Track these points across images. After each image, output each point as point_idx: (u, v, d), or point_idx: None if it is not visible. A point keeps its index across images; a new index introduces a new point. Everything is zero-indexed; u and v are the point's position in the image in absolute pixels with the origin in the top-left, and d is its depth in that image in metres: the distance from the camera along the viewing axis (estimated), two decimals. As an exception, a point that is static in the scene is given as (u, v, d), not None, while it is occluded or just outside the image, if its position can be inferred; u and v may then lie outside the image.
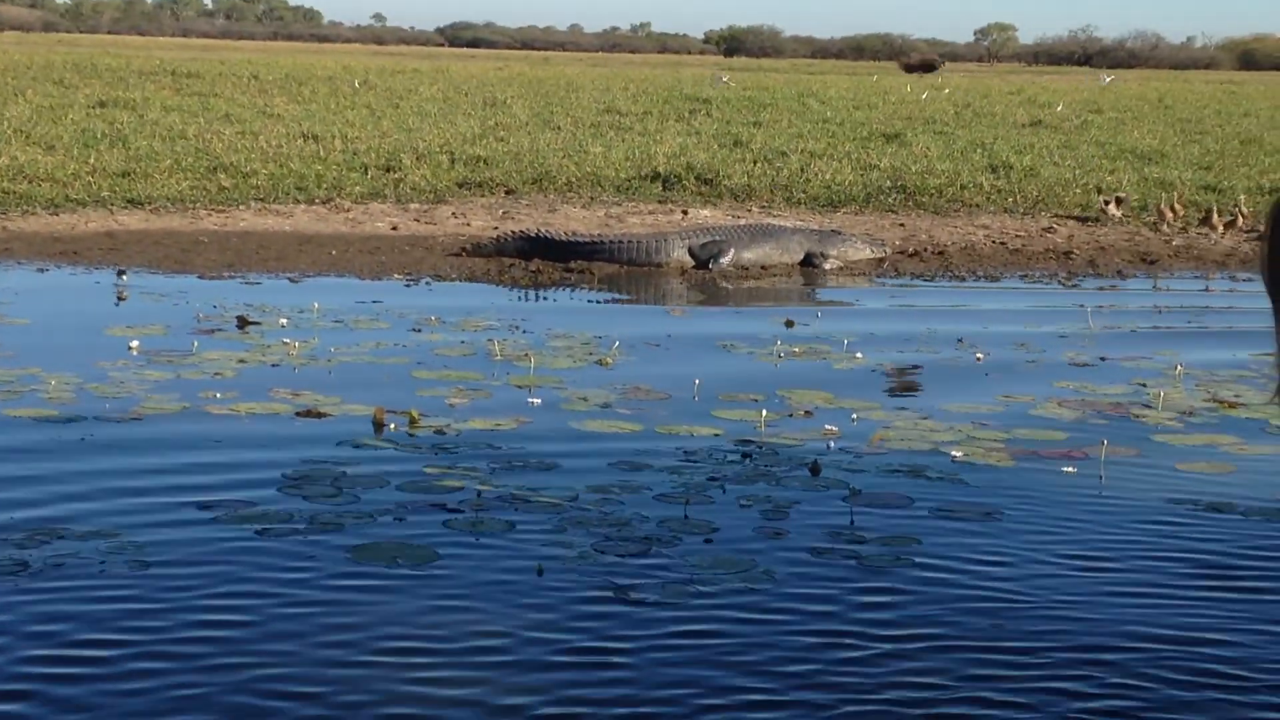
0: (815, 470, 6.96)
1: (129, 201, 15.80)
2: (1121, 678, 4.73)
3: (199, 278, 12.27)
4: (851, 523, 6.23)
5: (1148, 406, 8.44)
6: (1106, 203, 17.02)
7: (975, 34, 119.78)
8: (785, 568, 5.66)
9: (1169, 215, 16.57)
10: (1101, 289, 13.33)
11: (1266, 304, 2.58)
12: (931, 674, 4.75)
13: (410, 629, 5.02)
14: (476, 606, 5.23)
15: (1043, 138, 25.30)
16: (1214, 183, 19.52)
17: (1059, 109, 32.29)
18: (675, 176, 18.63)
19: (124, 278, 12.07)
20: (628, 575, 5.54)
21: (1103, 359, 9.86)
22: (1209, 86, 50.97)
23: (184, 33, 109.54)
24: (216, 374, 8.68)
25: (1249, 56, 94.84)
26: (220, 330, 10.02)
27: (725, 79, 41.28)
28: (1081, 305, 12.02)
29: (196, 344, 9.41)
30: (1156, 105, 35.89)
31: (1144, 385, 8.99)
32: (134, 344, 9.33)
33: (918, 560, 5.78)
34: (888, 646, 4.94)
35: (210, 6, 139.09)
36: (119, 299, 11.36)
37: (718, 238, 13.73)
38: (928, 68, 16.71)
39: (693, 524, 6.15)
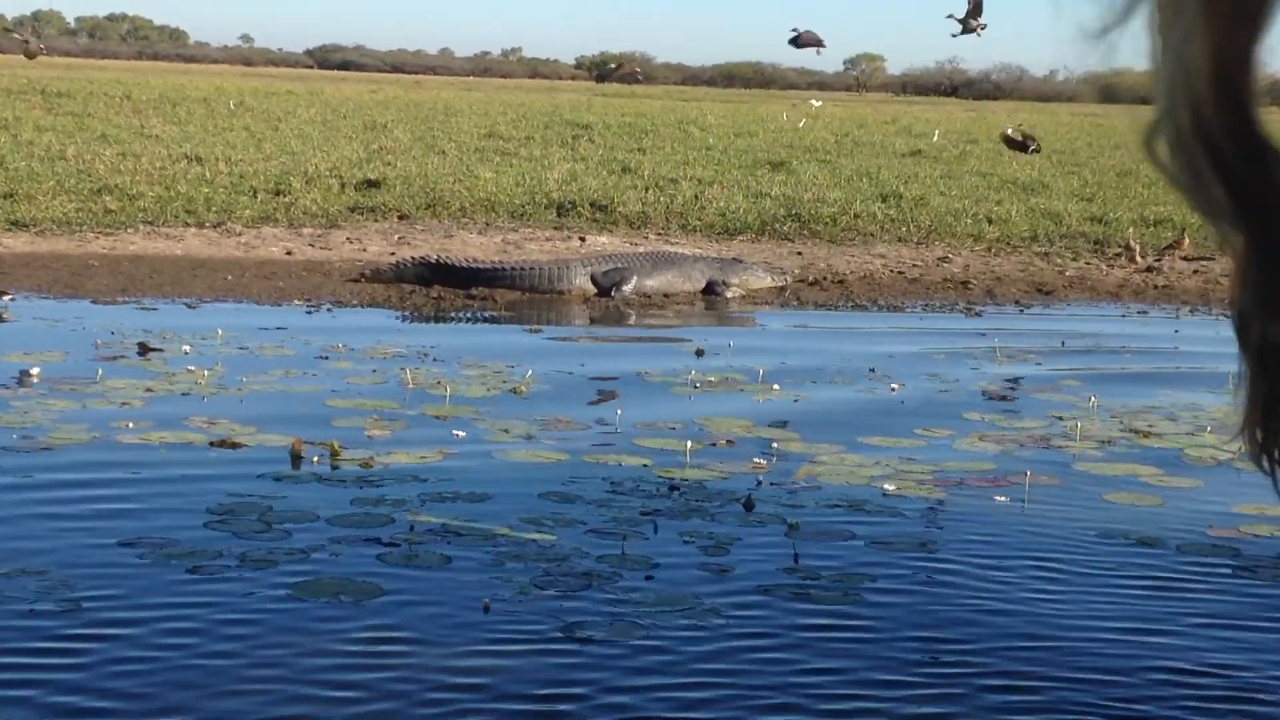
0: (749, 505, 6.89)
1: (12, 223, 15.37)
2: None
3: (92, 302, 11.92)
4: (795, 558, 6.17)
5: (1067, 438, 8.50)
6: (1126, 249, 16.90)
7: (844, 63, 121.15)
8: (732, 605, 5.59)
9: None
10: (1003, 318, 13.40)
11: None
12: (895, 701, 4.71)
13: (358, 667, 4.88)
14: (423, 644, 5.10)
15: (924, 167, 25.54)
16: (1099, 214, 19.82)
17: (935, 139, 32.64)
18: (570, 203, 18.52)
19: (5, 299, 11.74)
20: (573, 613, 5.43)
21: (1014, 388, 9.94)
22: (1075, 119, 51.87)
23: (46, 51, 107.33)
24: (124, 403, 8.42)
25: (1110, 90, 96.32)
26: (122, 357, 9.73)
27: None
28: (983, 332, 12.14)
29: (100, 371, 9.13)
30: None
31: (1060, 418, 9.05)
32: (34, 371, 9.04)
33: (868, 595, 5.74)
34: (846, 681, 4.90)
35: (73, 25, 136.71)
36: (0, 319, 11.07)
37: (620, 265, 13.64)
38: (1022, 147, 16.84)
39: (632, 560, 6.06)
